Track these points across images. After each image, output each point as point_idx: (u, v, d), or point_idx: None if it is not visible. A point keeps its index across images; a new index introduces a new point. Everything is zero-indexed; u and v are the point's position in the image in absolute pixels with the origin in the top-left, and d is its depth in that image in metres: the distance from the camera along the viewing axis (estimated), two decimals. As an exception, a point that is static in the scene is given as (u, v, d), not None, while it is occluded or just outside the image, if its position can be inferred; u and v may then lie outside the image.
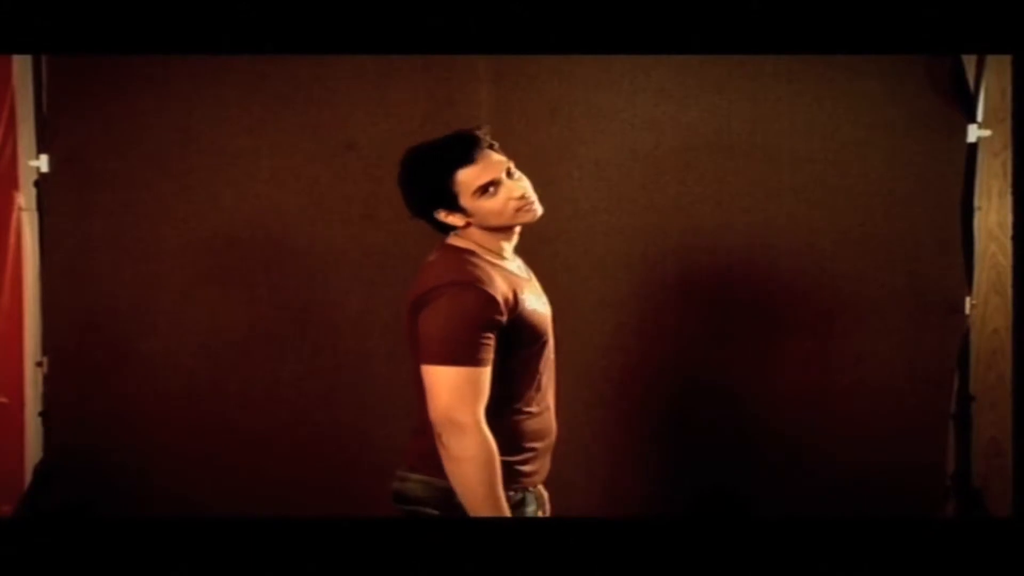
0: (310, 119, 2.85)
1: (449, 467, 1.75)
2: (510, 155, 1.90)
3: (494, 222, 1.86)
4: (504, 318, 1.78)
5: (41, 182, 2.88)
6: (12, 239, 2.93)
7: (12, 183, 2.93)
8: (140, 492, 2.87)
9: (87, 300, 2.89)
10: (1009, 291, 2.77)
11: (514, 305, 1.80)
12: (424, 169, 1.83)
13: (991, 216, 2.88)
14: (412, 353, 1.83)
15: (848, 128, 2.83)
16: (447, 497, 1.79)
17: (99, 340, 2.89)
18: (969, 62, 2.82)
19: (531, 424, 1.89)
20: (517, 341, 1.83)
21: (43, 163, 2.86)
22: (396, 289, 2.06)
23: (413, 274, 1.89)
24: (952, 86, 2.81)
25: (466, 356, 1.74)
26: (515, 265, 1.94)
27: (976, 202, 2.88)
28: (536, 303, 1.88)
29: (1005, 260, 2.84)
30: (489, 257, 1.87)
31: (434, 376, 1.75)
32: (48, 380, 2.93)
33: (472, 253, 1.86)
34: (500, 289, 1.78)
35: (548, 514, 2.01)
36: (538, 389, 1.90)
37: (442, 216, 1.86)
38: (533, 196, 1.87)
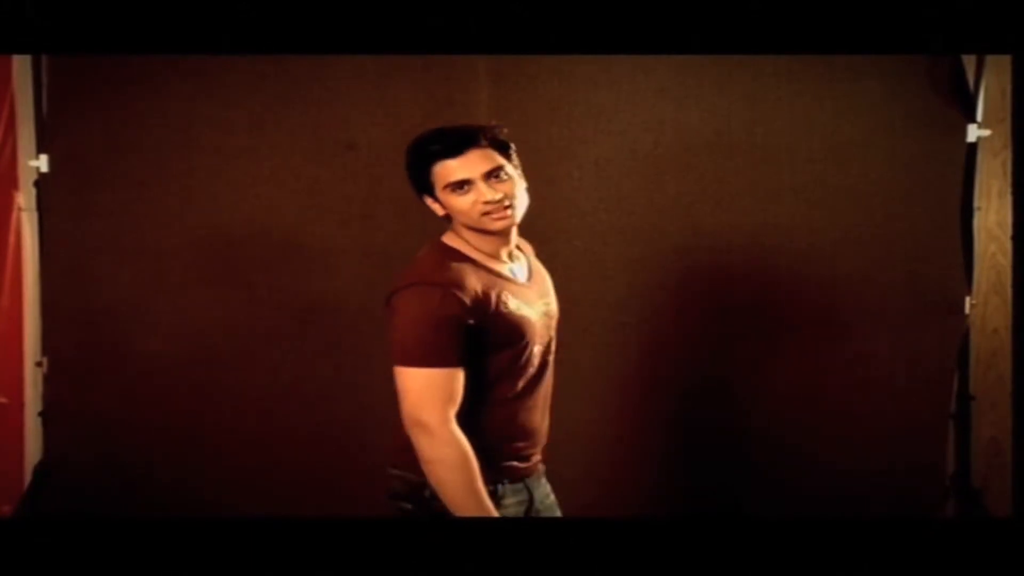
0: (310, 119, 2.85)
1: (424, 468, 1.75)
2: (510, 155, 1.89)
3: (463, 221, 1.83)
4: (471, 318, 1.74)
5: (41, 182, 2.87)
6: (12, 239, 2.93)
7: (12, 183, 2.93)
8: (140, 492, 2.86)
9: (87, 300, 2.88)
10: (1009, 291, 2.78)
11: (487, 306, 1.77)
12: (411, 155, 1.84)
13: (991, 216, 2.89)
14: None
15: (848, 128, 2.84)
16: (420, 492, 1.79)
17: (99, 340, 2.88)
18: (969, 62, 2.82)
19: (513, 424, 1.86)
20: (494, 342, 1.80)
21: (43, 163, 2.85)
22: (396, 289, 2.05)
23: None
24: (952, 86, 2.81)
25: (431, 357, 1.72)
26: (510, 268, 1.89)
27: (976, 202, 2.88)
28: (522, 306, 1.83)
29: (1005, 260, 2.85)
30: (476, 257, 1.83)
31: (401, 377, 1.76)
32: (48, 380, 2.92)
33: (455, 253, 1.83)
34: (469, 289, 1.75)
35: (548, 508, 1.98)
36: (523, 389, 1.86)
37: (430, 203, 1.87)
38: (513, 203, 1.81)
